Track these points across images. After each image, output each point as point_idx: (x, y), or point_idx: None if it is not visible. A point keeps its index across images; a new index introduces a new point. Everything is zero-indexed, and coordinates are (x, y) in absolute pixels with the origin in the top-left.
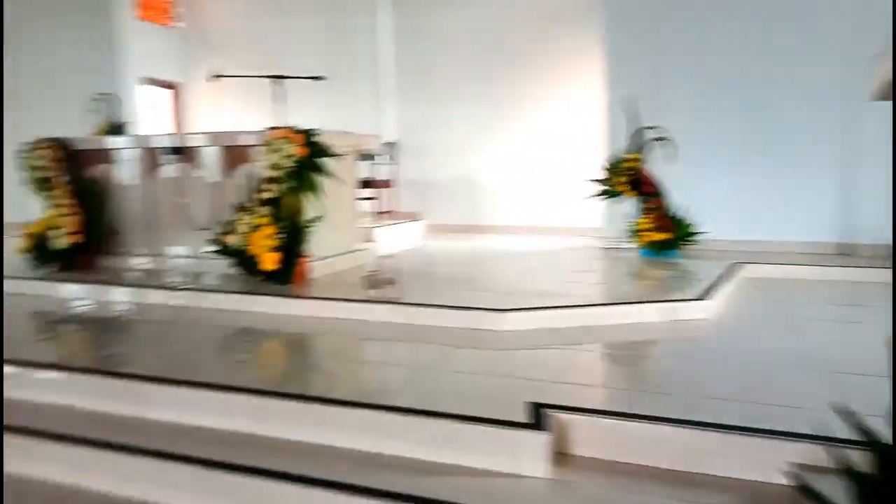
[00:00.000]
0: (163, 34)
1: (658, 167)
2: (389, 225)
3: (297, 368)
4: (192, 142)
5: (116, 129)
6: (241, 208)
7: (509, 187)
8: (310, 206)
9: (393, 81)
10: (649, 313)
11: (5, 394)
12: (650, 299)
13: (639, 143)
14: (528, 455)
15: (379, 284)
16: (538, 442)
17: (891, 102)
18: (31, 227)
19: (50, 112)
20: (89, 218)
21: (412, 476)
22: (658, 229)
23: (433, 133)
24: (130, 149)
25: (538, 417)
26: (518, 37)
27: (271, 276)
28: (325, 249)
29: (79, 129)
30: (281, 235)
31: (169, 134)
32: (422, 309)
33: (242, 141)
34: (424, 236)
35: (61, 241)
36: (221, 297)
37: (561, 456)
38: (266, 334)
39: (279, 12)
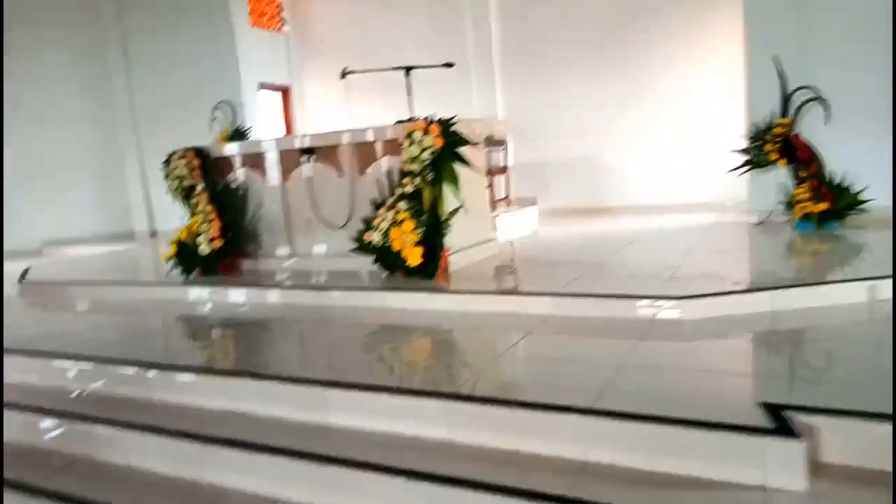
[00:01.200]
0: (272, 39)
1: (809, 131)
2: (508, 212)
3: (478, 368)
4: (324, 141)
5: (238, 135)
6: (380, 204)
7: (634, 164)
8: (448, 198)
9: (500, 64)
10: (843, 294)
11: (194, 402)
12: (840, 279)
13: (788, 105)
14: (778, 465)
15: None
16: (791, 450)
17: None
18: (176, 234)
19: (177, 122)
20: (229, 222)
21: (637, 489)
22: (816, 199)
23: (546, 114)
24: (265, 152)
25: (782, 420)
26: (632, 3)
27: (415, 271)
28: (460, 241)
29: (204, 137)
30: (422, 229)
31: (302, 135)
32: (581, 300)
33: (376, 137)
34: (542, 221)
35: (204, 246)
36: (366, 294)
37: (813, 465)
38: (425, 331)
39: (380, 7)
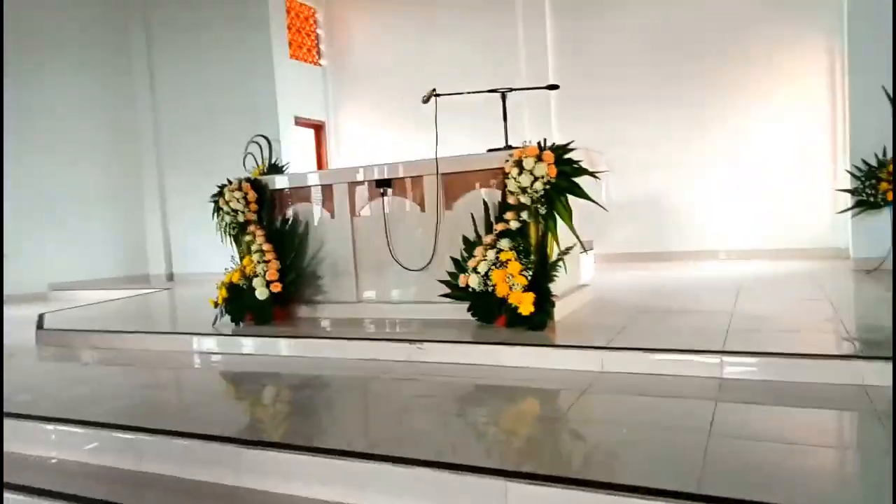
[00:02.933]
0: (310, 73)
1: None
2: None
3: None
4: (404, 171)
5: (274, 170)
6: (474, 242)
7: (705, 206)
8: (558, 236)
9: (556, 99)
10: None
11: (291, 491)
12: None
13: None
14: None
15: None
16: None
17: None
18: (226, 276)
19: (204, 158)
20: (289, 264)
21: None
22: None
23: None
24: (329, 184)
25: None
26: (705, 35)
27: (522, 321)
28: (559, 287)
29: (233, 174)
30: (530, 272)
31: (377, 165)
32: (738, 358)
33: (470, 165)
34: (597, 268)
35: (261, 290)
36: (462, 348)
37: None
38: (548, 394)
39: (424, 40)
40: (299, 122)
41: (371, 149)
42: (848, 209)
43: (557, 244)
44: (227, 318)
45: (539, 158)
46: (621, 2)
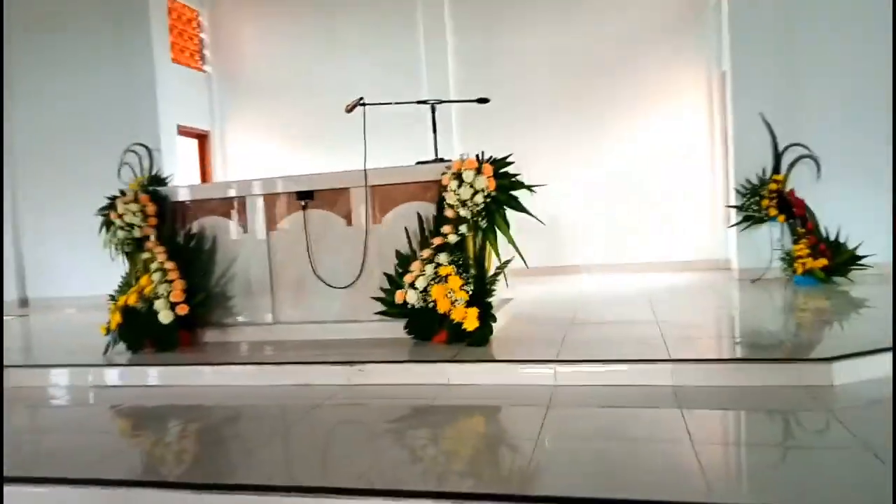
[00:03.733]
0: (193, 79)
1: (799, 188)
2: None
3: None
4: (328, 183)
5: (157, 183)
6: (407, 258)
7: (598, 221)
8: (495, 250)
9: (458, 112)
10: None
11: None
12: None
13: (779, 162)
14: None
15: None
16: None
17: None
18: (120, 298)
19: (70, 168)
20: (195, 283)
21: None
22: (815, 255)
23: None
24: (242, 196)
25: None
26: (597, 58)
27: (463, 337)
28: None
29: (108, 185)
30: (470, 286)
31: (295, 175)
32: (699, 366)
33: (399, 178)
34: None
35: (165, 313)
36: (406, 368)
37: None
38: (516, 411)
39: (323, 49)
40: (182, 130)
41: (261, 163)
42: (737, 223)
43: (498, 257)
44: (120, 345)
45: (479, 171)
46: (521, 21)
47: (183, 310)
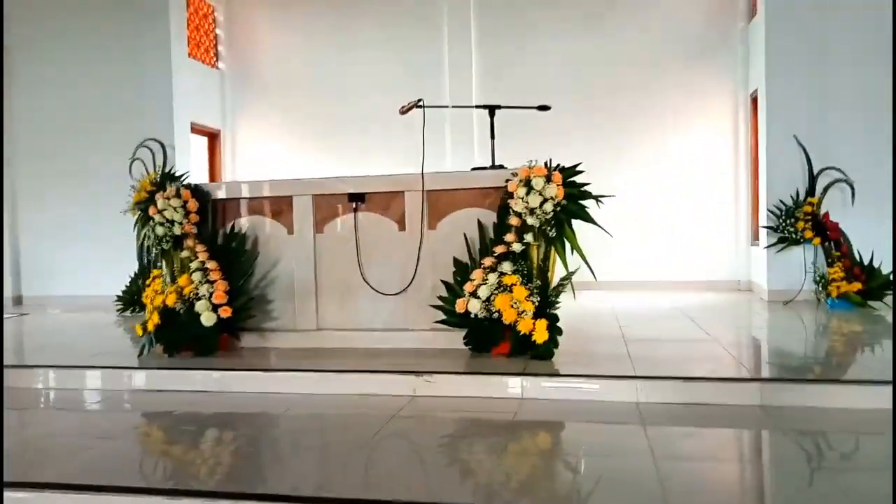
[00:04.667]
0: (207, 75)
1: (832, 211)
2: None
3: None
4: (383, 185)
5: (170, 180)
6: (467, 266)
7: (618, 239)
8: (558, 260)
9: (479, 121)
10: None
11: None
12: None
13: (814, 185)
14: None
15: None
16: None
17: None
18: (156, 299)
19: (75, 160)
20: (238, 285)
21: None
22: (849, 279)
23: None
24: (288, 196)
25: None
26: (623, 73)
27: (525, 350)
28: None
29: (115, 180)
30: (536, 297)
31: (347, 176)
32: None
33: (458, 183)
34: None
35: (207, 315)
36: (478, 380)
37: None
38: (622, 429)
39: (342, 48)
40: (194, 128)
41: (272, 164)
42: (773, 245)
43: (566, 268)
44: (154, 348)
45: (548, 179)
46: (545, 35)
47: (226, 312)
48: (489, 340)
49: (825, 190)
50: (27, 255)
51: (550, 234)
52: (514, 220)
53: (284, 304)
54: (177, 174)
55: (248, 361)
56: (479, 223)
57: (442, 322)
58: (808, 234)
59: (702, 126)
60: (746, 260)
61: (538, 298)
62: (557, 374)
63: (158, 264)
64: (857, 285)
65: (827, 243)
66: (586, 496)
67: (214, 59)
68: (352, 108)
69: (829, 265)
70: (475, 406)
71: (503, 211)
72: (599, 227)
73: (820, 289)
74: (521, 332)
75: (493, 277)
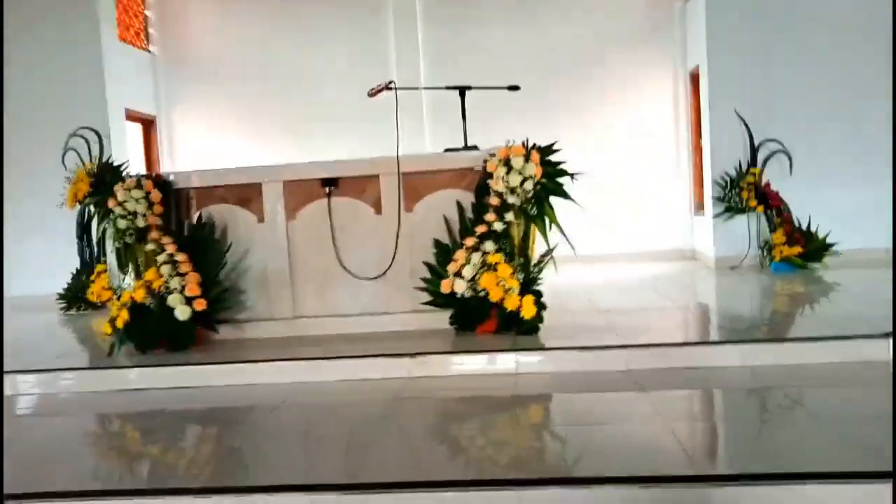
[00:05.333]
0: (137, 58)
1: (772, 180)
2: None
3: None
4: (356, 170)
5: (109, 171)
6: (448, 247)
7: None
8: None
9: (428, 103)
10: None
11: None
12: None
13: (755, 156)
14: None
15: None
16: None
17: None
18: (124, 294)
19: (20, 149)
20: (212, 276)
21: None
22: (790, 243)
23: None
24: (257, 183)
25: None
26: (572, 55)
27: (510, 326)
28: None
29: (52, 172)
30: (521, 275)
31: (319, 161)
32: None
33: (433, 165)
34: None
35: (181, 308)
36: (473, 358)
37: None
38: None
39: (281, 31)
40: (128, 115)
41: (213, 152)
42: (720, 214)
43: (547, 244)
44: (124, 346)
45: (527, 158)
46: (490, 15)
47: (200, 305)
48: (475, 319)
49: (765, 161)
50: None
51: (531, 211)
52: (493, 200)
53: (258, 293)
54: (115, 164)
55: (231, 353)
56: (459, 204)
57: (428, 304)
58: (753, 202)
59: (644, 102)
60: (689, 229)
61: (522, 275)
62: (550, 348)
63: (102, 258)
64: (798, 249)
65: (769, 211)
66: (613, 457)
67: (145, 41)
68: (298, 93)
69: (772, 231)
70: (472, 384)
71: (481, 191)
72: (574, 202)
73: (764, 254)
74: (508, 310)
75: (476, 257)
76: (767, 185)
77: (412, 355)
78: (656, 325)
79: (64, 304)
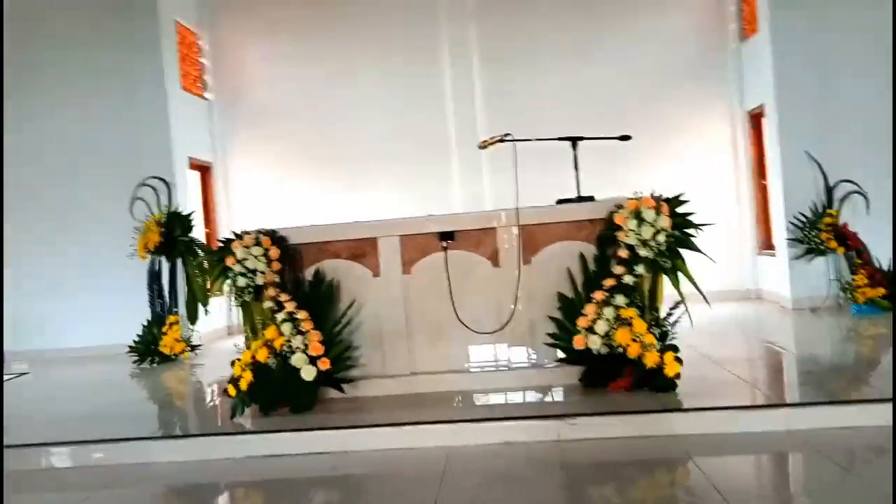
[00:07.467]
0: (196, 107)
1: (848, 221)
2: None
3: None
4: (472, 223)
5: (178, 220)
6: (574, 300)
7: None
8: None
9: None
10: None
11: None
12: None
13: (831, 197)
14: None
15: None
16: None
17: None
18: (244, 355)
19: (75, 201)
20: (333, 333)
21: None
22: (873, 285)
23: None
24: (373, 238)
25: None
26: (626, 95)
27: (646, 383)
28: None
29: (107, 221)
30: (657, 329)
31: (434, 215)
32: None
33: (553, 217)
34: None
35: (307, 368)
36: (626, 420)
37: None
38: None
39: (336, 75)
40: (190, 163)
41: (267, 198)
42: (801, 256)
43: (681, 296)
44: (247, 408)
45: (658, 210)
46: (546, 58)
47: (325, 364)
48: (608, 375)
49: (841, 201)
50: (17, 308)
51: (665, 264)
52: (623, 252)
53: (372, 349)
54: (181, 212)
55: (366, 416)
56: (582, 257)
57: (561, 360)
58: (832, 243)
59: (701, 143)
60: (752, 269)
61: (658, 330)
62: (709, 409)
63: (174, 309)
64: (882, 290)
65: (849, 252)
66: None
67: (201, 89)
68: (352, 137)
69: (853, 273)
70: (634, 449)
71: (604, 242)
72: (704, 254)
73: (847, 295)
74: (647, 366)
75: (609, 311)
76: (845, 225)
77: (560, 417)
78: (794, 379)
79: (136, 357)
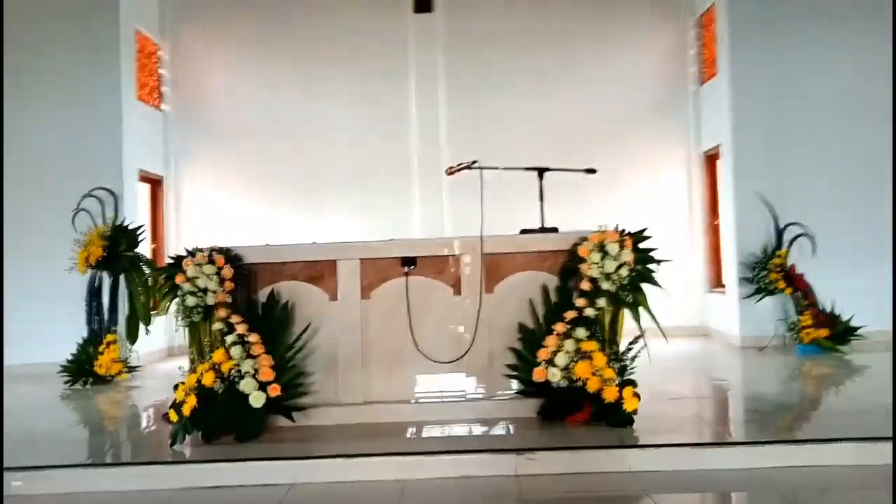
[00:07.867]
0: (151, 118)
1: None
2: None
3: None
4: (435, 249)
5: (124, 234)
6: (536, 331)
7: None
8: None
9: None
10: None
11: None
12: None
13: (781, 239)
14: None
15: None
16: None
17: None
18: (189, 378)
19: (30, 207)
20: (286, 357)
21: None
22: (817, 325)
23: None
24: (332, 260)
25: None
26: (586, 131)
27: (603, 417)
28: None
29: (58, 234)
30: (616, 363)
31: (399, 239)
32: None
33: (518, 247)
34: None
35: (256, 394)
36: (584, 455)
37: None
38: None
39: (303, 95)
40: (140, 176)
41: (220, 217)
42: (751, 295)
43: (640, 330)
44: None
45: (621, 245)
46: (512, 89)
47: (275, 390)
48: (566, 409)
49: (791, 242)
50: None
51: (627, 298)
52: (585, 285)
53: (326, 376)
54: (128, 226)
55: (317, 446)
56: (545, 288)
57: (519, 392)
58: (781, 284)
59: (657, 182)
60: (702, 306)
61: (617, 364)
62: (668, 445)
63: (112, 328)
64: (825, 331)
65: (796, 293)
66: None
67: (158, 100)
68: (312, 159)
69: (799, 313)
70: (592, 485)
71: (567, 274)
72: (662, 288)
73: (793, 335)
74: (606, 401)
75: (569, 344)
76: (793, 267)
77: (518, 451)
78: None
79: (68, 378)
